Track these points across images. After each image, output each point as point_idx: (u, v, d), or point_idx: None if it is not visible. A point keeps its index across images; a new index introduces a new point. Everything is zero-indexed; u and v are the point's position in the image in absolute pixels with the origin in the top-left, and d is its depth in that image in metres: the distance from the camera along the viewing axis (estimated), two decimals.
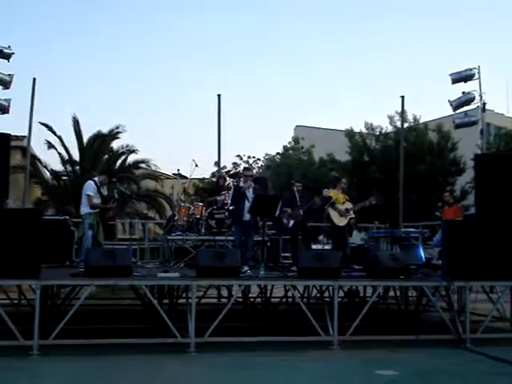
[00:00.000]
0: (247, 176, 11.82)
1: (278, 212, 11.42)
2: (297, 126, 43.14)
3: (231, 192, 11.73)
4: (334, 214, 12.78)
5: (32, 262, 9.00)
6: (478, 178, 11.35)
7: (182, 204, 13.68)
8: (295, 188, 12.58)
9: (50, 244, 11.43)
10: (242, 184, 11.62)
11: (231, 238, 12.65)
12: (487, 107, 18.91)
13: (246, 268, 10.81)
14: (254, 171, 37.20)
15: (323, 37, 72.84)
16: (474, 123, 17.72)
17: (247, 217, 11.39)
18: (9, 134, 9.68)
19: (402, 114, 20.71)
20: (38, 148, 24.13)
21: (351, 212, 12.79)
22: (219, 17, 71.89)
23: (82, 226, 11.45)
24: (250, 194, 11.44)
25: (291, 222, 12.54)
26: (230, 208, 12.07)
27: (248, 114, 69.19)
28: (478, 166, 11.32)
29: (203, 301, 13.31)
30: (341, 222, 12.85)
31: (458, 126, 18.19)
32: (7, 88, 14.67)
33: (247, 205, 11.28)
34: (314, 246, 13.87)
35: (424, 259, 13.22)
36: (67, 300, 11.85)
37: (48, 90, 67.06)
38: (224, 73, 69.88)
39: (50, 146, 23.73)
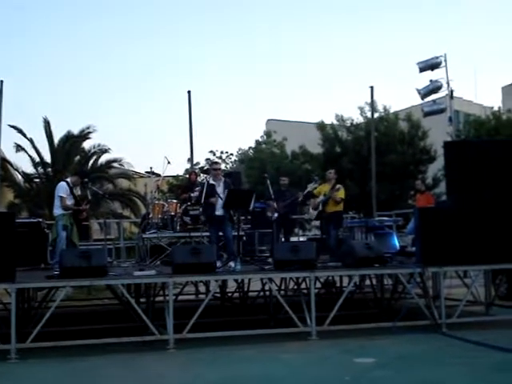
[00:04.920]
0: (216, 169, 11.81)
1: (252, 206, 11.44)
2: (268, 120, 43.15)
3: (204, 188, 11.58)
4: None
5: (6, 266, 8.93)
6: (447, 165, 11.48)
7: (156, 202, 13.63)
8: (281, 182, 12.81)
9: (24, 247, 11.32)
10: (211, 180, 11.52)
11: (207, 233, 12.65)
12: (455, 95, 19.19)
13: (232, 264, 10.79)
14: (228, 166, 37.29)
15: (293, 30, 72.94)
16: (442, 111, 17.95)
17: (220, 212, 11.28)
18: None
19: (372, 104, 20.83)
20: (8, 151, 23.96)
21: (320, 205, 12.63)
22: (190, 12, 71.67)
23: (56, 227, 11.36)
24: (220, 188, 11.35)
25: (275, 215, 12.62)
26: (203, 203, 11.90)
27: (220, 110, 69.01)
28: (448, 152, 11.44)
29: (181, 298, 13.30)
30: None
31: (426, 114, 18.43)
32: None
33: (219, 199, 11.21)
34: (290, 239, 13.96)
35: (398, 247, 13.36)
36: (44, 303, 11.77)
37: (16, 92, 66.19)
38: (195, 69, 69.63)
39: (20, 148, 23.56)
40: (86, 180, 12.54)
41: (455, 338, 9.73)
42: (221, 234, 11.55)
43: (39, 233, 13.05)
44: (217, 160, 32.70)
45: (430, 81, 17.55)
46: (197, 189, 13.38)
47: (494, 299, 12.32)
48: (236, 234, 11.79)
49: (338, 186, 12.57)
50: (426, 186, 17.66)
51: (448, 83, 17.65)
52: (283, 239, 12.91)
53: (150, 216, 13.22)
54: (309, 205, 13.36)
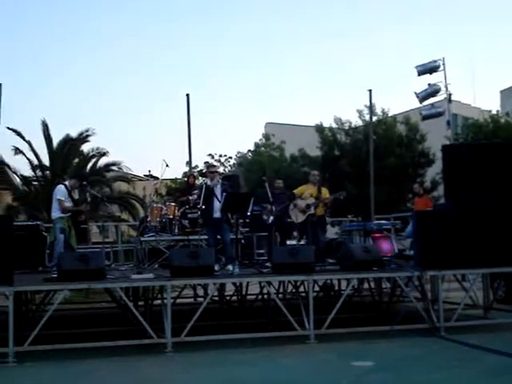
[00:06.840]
0: (212, 172, 11.83)
1: (250, 208, 11.43)
2: (267, 123, 43.10)
3: (202, 191, 11.59)
4: (293, 211, 12.62)
5: (4, 269, 8.91)
6: (445, 168, 11.49)
7: (155, 205, 13.62)
8: (275, 185, 12.68)
9: (22, 250, 11.33)
10: (209, 182, 11.55)
11: (205, 236, 12.64)
12: (454, 98, 19.22)
13: (230, 267, 10.78)
14: (227, 169, 37.27)
15: (291, 32, 72.95)
16: (440, 114, 17.97)
17: (217, 214, 11.26)
18: None
19: (371, 107, 20.83)
20: (6, 154, 23.90)
21: (312, 208, 12.34)
22: (188, 15, 71.69)
23: (54, 230, 11.36)
24: (218, 190, 11.36)
25: (271, 219, 12.55)
26: (203, 207, 11.92)
27: (218, 113, 68.96)
28: (446, 156, 11.45)
29: (179, 301, 13.30)
30: (298, 218, 12.55)
31: (424, 118, 18.46)
32: None
33: (216, 202, 11.23)
34: (288, 242, 13.94)
35: (397, 250, 13.36)
36: (42, 306, 11.77)
37: (15, 95, 66.19)
38: (193, 72, 69.56)
39: (18, 151, 23.53)
40: (85, 183, 12.54)
41: (453, 341, 9.73)
42: (219, 237, 11.55)
43: (37, 236, 13.02)
44: (214, 163, 32.69)
45: (429, 84, 17.59)
46: (195, 192, 13.37)
47: (493, 303, 12.33)
48: (234, 237, 11.78)
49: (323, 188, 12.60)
50: (424, 189, 17.65)
51: (446, 87, 17.71)
52: (279, 243, 12.82)
53: (149, 219, 13.20)
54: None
